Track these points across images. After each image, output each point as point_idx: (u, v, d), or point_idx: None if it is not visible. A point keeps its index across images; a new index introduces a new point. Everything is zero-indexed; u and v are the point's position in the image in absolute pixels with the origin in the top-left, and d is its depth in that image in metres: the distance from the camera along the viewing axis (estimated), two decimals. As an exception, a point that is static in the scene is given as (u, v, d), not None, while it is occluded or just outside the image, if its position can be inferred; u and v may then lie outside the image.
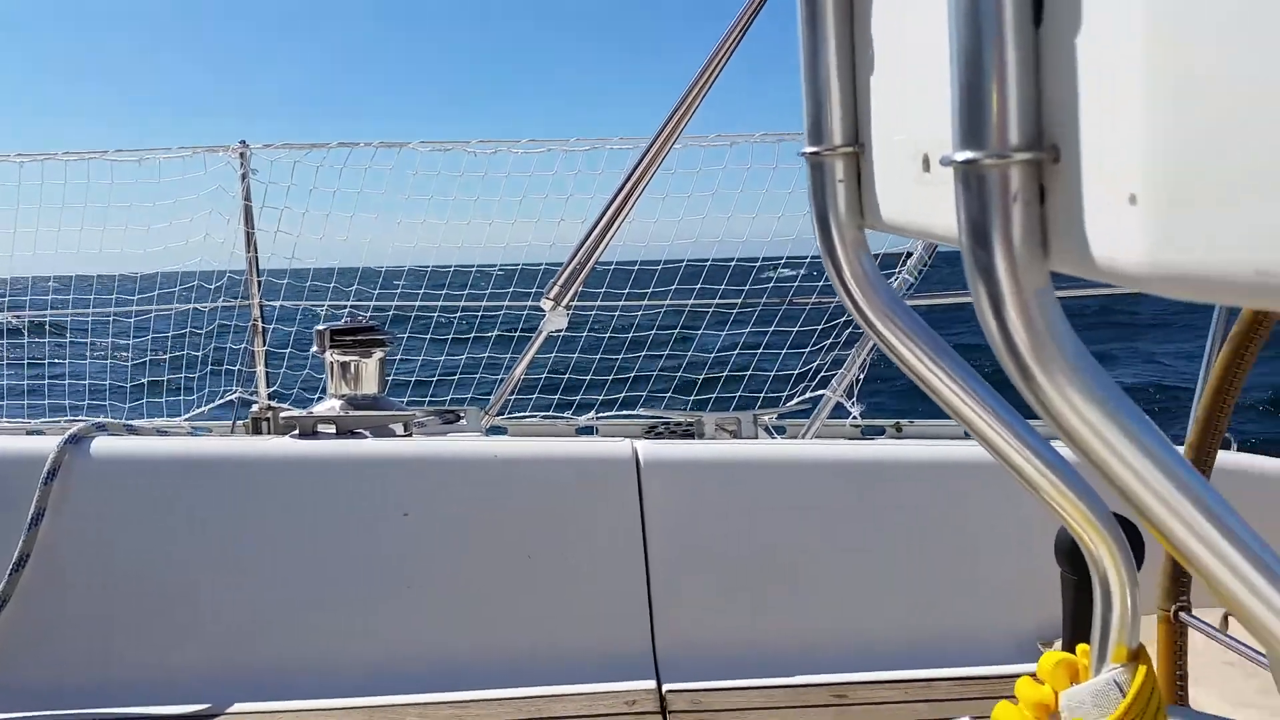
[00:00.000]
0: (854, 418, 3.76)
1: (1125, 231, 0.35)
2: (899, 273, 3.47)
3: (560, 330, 3.01)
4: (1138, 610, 0.74)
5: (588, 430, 3.80)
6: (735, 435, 3.53)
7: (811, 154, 0.61)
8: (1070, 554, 0.80)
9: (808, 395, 3.92)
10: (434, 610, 2.17)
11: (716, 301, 4.21)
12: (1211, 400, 1.35)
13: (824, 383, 3.89)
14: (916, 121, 0.51)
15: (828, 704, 1.99)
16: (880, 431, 3.80)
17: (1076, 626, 0.79)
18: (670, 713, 1.97)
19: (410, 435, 2.60)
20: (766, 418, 3.79)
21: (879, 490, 2.24)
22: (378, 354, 2.80)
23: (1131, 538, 0.69)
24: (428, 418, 3.01)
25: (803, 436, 3.66)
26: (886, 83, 0.55)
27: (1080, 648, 0.79)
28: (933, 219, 0.50)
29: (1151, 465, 0.45)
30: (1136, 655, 0.75)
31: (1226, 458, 2.22)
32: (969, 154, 0.40)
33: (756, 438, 3.55)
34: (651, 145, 2.70)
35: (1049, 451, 0.65)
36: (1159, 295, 0.36)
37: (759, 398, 4.00)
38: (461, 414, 3.15)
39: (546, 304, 2.90)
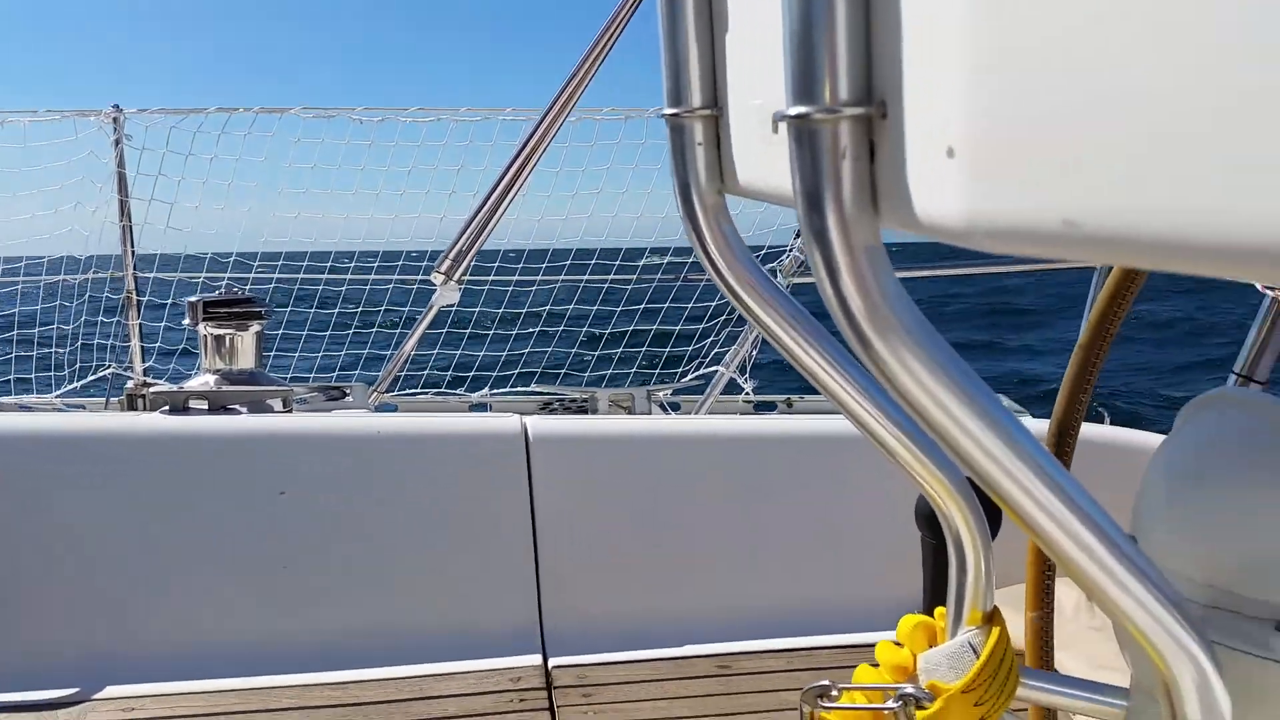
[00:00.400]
0: (746, 394, 3.78)
1: (945, 185, 0.35)
2: (791, 249, 3.50)
3: (452, 305, 2.95)
4: (991, 573, 0.75)
5: (481, 407, 3.75)
6: (629, 411, 3.52)
7: (671, 116, 0.60)
8: (929, 519, 0.81)
9: (701, 371, 3.93)
10: (312, 590, 2.12)
11: (612, 277, 4.19)
12: (1077, 370, 1.38)
13: (718, 359, 3.90)
14: (768, 82, 0.50)
15: (711, 674, 2.00)
16: (772, 407, 3.84)
17: (936, 591, 0.80)
18: (555, 688, 1.96)
19: (290, 411, 2.52)
20: (661, 394, 3.80)
21: (766, 465, 2.26)
22: (254, 327, 2.69)
23: (988, 503, 0.70)
24: (310, 394, 2.93)
25: (696, 412, 3.67)
26: (741, 43, 0.54)
27: (938, 611, 0.80)
28: (782, 181, 0.49)
29: (985, 428, 0.45)
30: (991, 617, 0.76)
31: (1093, 430, 2.30)
32: (801, 109, 0.39)
33: (650, 413, 3.56)
34: (545, 116, 2.65)
35: (904, 418, 0.65)
36: (978, 249, 0.36)
37: (654, 374, 4.00)
38: (347, 390, 3.06)
39: (437, 278, 2.83)
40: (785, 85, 0.40)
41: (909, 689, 0.74)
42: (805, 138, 0.40)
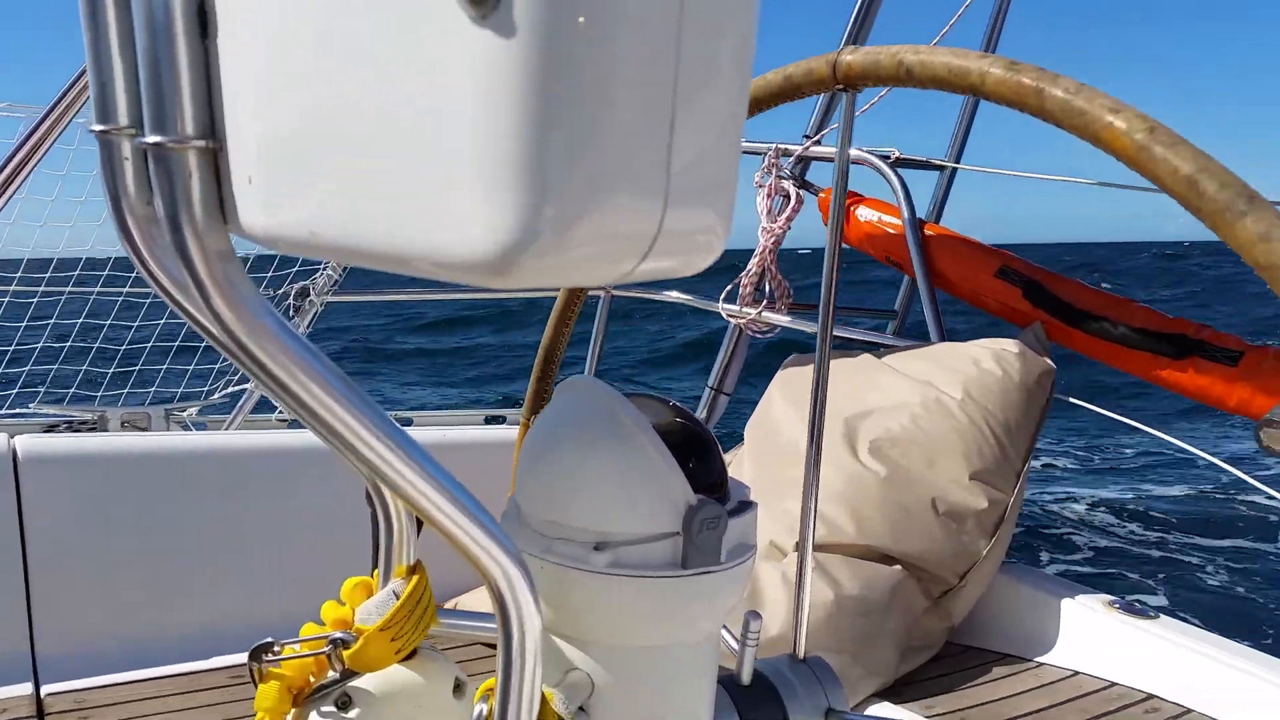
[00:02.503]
0: (280, 411, 3.75)
1: (253, 204, 0.49)
2: (324, 269, 3.55)
3: None
4: (410, 532, 0.91)
5: None
6: (146, 431, 3.36)
7: (101, 133, 0.66)
8: (369, 494, 0.95)
9: (229, 390, 3.83)
10: None
11: (127, 290, 3.94)
12: (540, 371, 1.62)
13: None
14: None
15: (224, 685, 2.02)
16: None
17: (377, 554, 0.94)
18: (48, 715, 1.87)
19: None
20: (185, 413, 3.65)
21: (272, 475, 2.30)
22: None
23: None
24: None
25: (226, 430, 3.58)
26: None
27: (376, 572, 0.95)
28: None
29: (346, 412, 0.58)
30: (414, 569, 0.92)
31: None
32: (158, 139, 0.51)
33: (169, 432, 3.42)
34: (48, 115, 2.49)
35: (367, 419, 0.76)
36: (284, 254, 0.51)
37: (177, 393, 3.82)
38: None
39: None
40: (145, 118, 0.51)
41: (338, 635, 0.88)
42: (163, 164, 0.51)
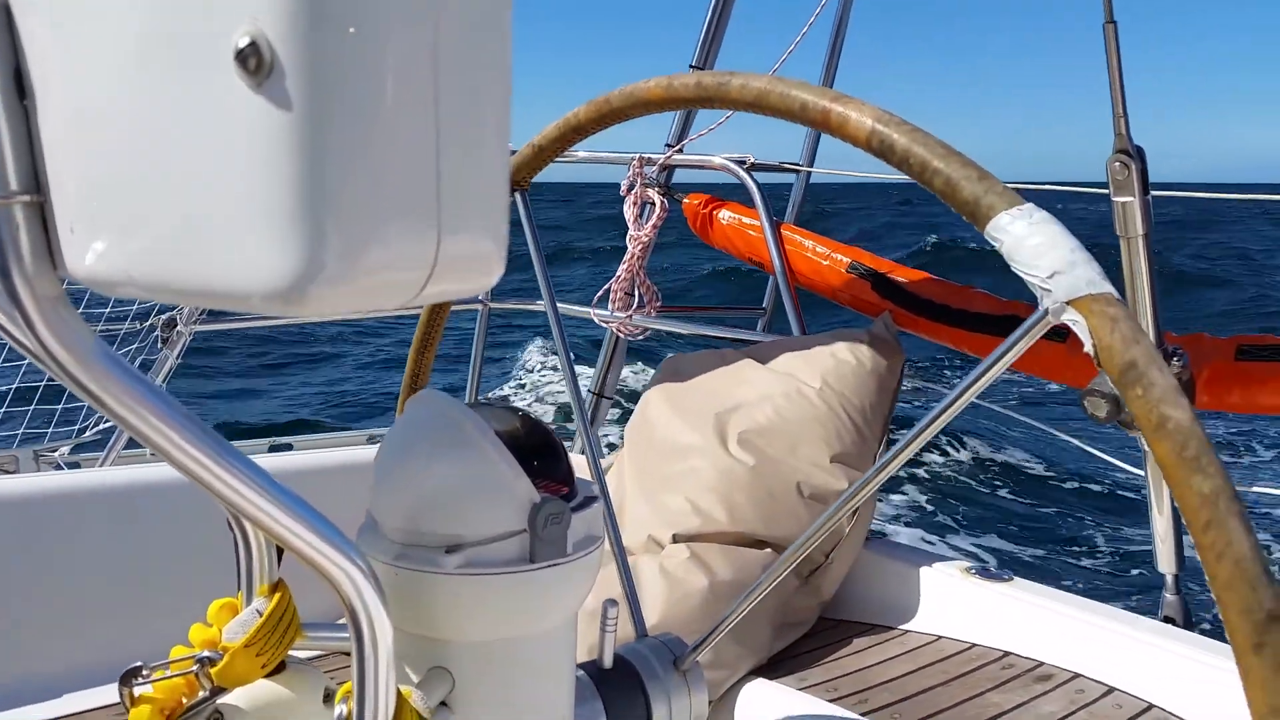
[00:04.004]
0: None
1: (76, 252, 0.54)
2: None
3: None
4: (270, 553, 0.95)
5: None
6: (14, 473, 3.26)
7: None
8: (228, 520, 0.99)
9: (103, 426, 3.73)
10: None
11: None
12: (407, 389, 1.67)
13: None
14: None
15: (107, 723, 2.01)
16: None
17: (241, 577, 0.99)
18: None
19: None
20: (56, 453, 3.55)
21: (132, 510, 2.27)
22: None
23: None
24: None
25: (100, 467, 3.50)
26: None
27: (241, 593, 0.99)
28: None
29: (178, 433, 0.63)
30: (276, 587, 0.96)
31: None
32: None
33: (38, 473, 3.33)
34: None
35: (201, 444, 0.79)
36: (107, 295, 0.56)
37: (47, 433, 3.70)
38: None
39: None
40: None
41: (205, 654, 0.92)
42: None
